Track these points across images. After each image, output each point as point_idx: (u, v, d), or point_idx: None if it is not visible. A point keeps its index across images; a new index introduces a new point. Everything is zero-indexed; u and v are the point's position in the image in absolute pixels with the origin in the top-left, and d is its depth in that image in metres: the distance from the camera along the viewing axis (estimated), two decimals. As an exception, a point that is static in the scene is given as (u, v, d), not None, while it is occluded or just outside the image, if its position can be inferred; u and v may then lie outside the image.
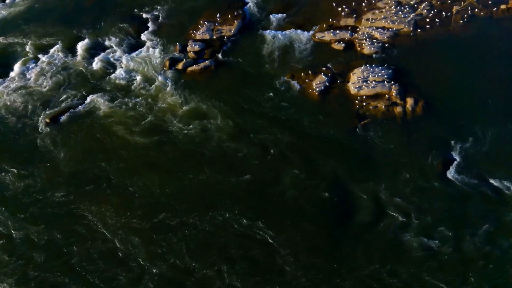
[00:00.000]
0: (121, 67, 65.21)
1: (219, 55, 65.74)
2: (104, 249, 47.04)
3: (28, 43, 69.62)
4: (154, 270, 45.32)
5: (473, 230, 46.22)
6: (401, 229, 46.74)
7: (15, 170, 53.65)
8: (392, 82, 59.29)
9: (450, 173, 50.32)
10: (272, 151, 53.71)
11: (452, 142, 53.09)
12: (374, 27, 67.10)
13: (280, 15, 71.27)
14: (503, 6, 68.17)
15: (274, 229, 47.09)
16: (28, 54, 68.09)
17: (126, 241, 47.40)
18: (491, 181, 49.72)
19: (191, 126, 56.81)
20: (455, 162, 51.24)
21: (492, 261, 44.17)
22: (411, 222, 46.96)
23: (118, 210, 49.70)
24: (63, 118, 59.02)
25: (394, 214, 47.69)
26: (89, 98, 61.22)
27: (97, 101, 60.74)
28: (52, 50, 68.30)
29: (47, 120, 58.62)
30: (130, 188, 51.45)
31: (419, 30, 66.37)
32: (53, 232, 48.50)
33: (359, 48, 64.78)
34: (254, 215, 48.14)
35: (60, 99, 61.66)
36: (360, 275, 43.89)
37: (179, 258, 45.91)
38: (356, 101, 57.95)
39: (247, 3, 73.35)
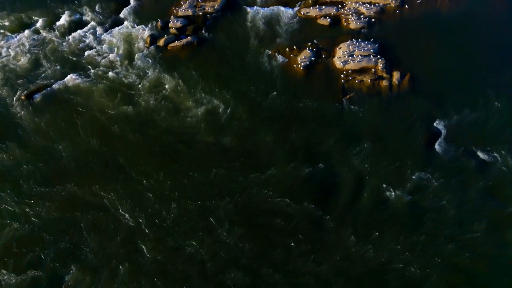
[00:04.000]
0: (101, 44, 63.22)
1: (203, 31, 64.07)
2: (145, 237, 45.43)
3: (7, 19, 67.33)
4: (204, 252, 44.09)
5: (454, 198, 45.99)
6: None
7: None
8: (379, 56, 58.11)
9: (436, 146, 49.48)
10: (247, 123, 52.62)
11: (438, 115, 52.22)
12: (360, 2, 65.69)
13: (265, -9, 69.73)
14: (490, -18, 67.27)
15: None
16: (7, 30, 65.85)
17: (161, 227, 45.64)
18: (476, 152, 49.16)
19: (171, 104, 55.34)
20: (441, 135, 50.40)
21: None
22: (400, 195, 46.27)
23: (131, 197, 47.61)
24: (39, 95, 57.06)
25: (378, 186, 46.84)
26: (67, 75, 59.31)
27: (75, 78, 58.78)
28: (31, 27, 66.11)
29: (23, 97, 56.72)
30: (131, 173, 49.34)
31: (406, 6, 65.15)
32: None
33: (345, 24, 63.44)
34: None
35: (38, 76, 59.55)
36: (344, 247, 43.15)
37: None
38: (342, 76, 56.69)
39: (232, -21, 71.70)
